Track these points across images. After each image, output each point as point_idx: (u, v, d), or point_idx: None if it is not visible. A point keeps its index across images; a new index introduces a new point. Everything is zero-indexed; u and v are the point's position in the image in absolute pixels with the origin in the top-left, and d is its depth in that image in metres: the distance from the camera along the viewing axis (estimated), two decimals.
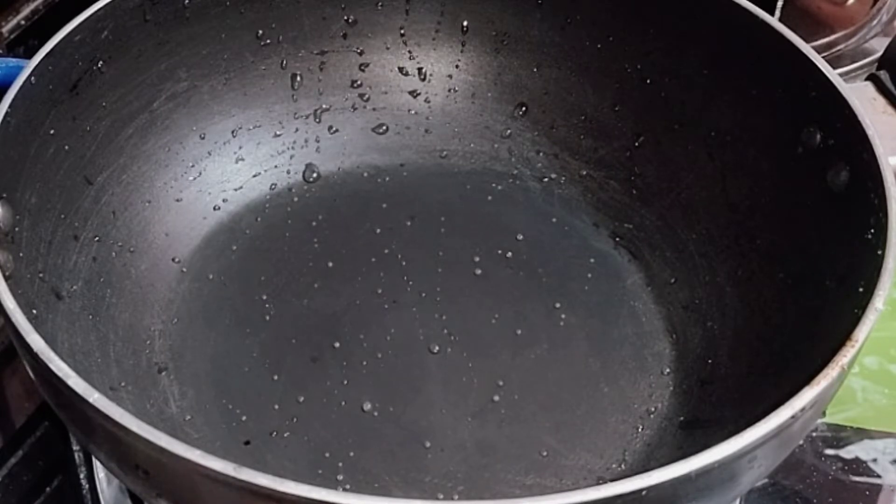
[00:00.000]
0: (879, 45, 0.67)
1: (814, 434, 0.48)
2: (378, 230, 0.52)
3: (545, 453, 0.43)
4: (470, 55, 0.55)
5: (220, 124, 0.52)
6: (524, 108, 0.55)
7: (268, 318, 0.48)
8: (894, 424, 0.49)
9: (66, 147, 0.45)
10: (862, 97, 0.44)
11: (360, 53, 0.55)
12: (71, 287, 0.43)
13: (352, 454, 0.43)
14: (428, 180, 0.54)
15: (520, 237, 0.51)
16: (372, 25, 0.54)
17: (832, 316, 0.39)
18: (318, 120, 0.54)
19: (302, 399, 0.44)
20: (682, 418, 0.44)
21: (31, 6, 0.56)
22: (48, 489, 0.46)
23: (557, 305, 0.49)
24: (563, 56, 0.54)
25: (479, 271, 0.50)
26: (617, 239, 0.52)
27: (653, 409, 0.45)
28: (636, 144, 0.52)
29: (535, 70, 0.54)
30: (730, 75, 0.49)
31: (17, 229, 0.40)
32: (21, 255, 0.40)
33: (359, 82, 0.55)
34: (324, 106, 0.54)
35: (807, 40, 0.45)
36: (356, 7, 0.54)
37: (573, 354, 0.47)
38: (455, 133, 0.55)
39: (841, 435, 0.49)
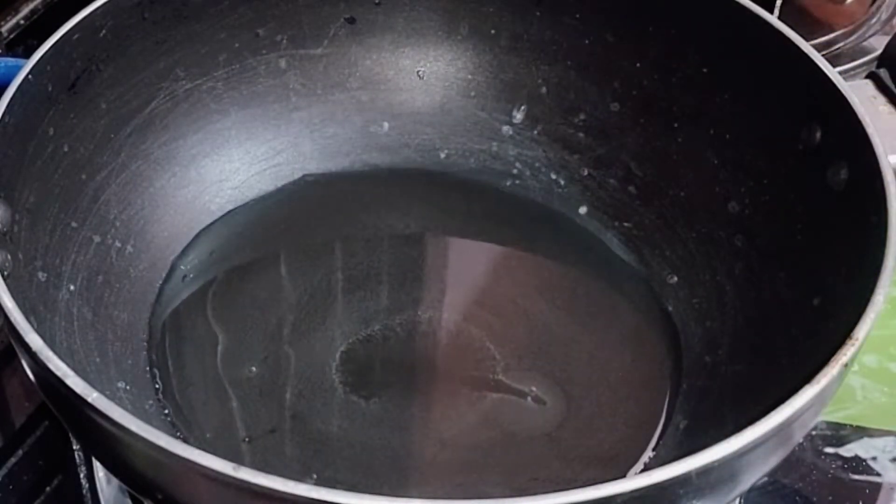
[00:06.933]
0: (879, 44, 0.67)
1: (813, 432, 0.48)
2: (378, 230, 0.52)
3: (546, 454, 0.43)
4: (469, 54, 0.55)
5: (218, 123, 0.52)
6: (523, 107, 0.55)
7: (268, 317, 0.48)
8: (894, 423, 0.49)
9: (65, 146, 0.45)
10: (861, 95, 0.44)
11: (360, 52, 0.55)
12: (69, 286, 0.43)
13: (354, 452, 0.43)
14: (427, 179, 0.54)
15: (520, 237, 0.51)
16: (371, 24, 0.54)
17: (832, 314, 0.39)
18: (317, 119, 0.54)
19: (303, 397, 0.44)
20: (682, 419, 0.44)
21: (31, 6, 0.56)
22: (48, 489, 0.46)
23: (557, 306, 0.48)
24: (563, 55, 0.54)
25: (479, 271, 0.50)
26: (617, 238, 0.51)
27: (653, 410, 0.45)
28: (635, 143, 0.52)
29: (534, 69, 0.54)
30: (729, 73, 0.49)
31: (15, 229, 0.40)
32: (19, 254, 0.40)
33: (358, 81, 0.55)
34: (323, 105, 0.54)
35: (806, 38, 0.45)
36: (355, 5, 0.54)
37: (573, 355, 0.47)
38: (454, 132, 0.55)
39: (840, 433, 0.49)
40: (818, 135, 0.44)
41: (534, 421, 0.44)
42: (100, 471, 0.45)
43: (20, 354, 0.35)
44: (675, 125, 0.51)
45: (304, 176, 0.54)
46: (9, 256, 0.39)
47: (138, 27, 0.48)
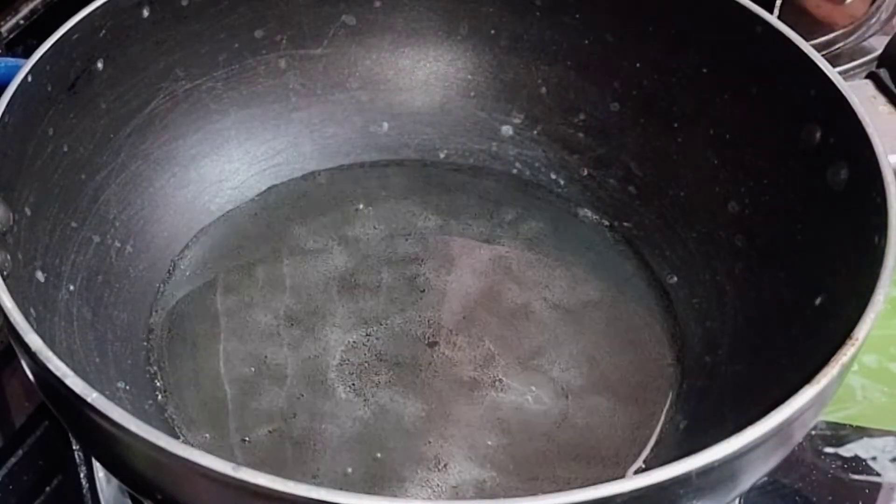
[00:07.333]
0: (878, 44, 0.67)
1: (813, 432, 0.48)
2: (378, 229, 0.52)
3: (546, 454, 0.43)
4: (469, 54, 0.55)
5: (218, 123, 0.52)
6: (523, 107, 0.55)
7: (267, 317, 0.48)
8: (894, 423, 0.49)
9: (65, 146, 0.45)
10: (861, 95, 0.44)
11: (359, 52, 0.55)
12: (69, 286, 0.43)
13: (353, 452, 0.43)
14: (427, 179, 0.54)
15: (519, 237, 0.51)
16: (370, 24, 0.54)
17: (832, 314, 0.39)
18: (316, 119, 0.54)
19: (303, 397, 0.44)
20: (682, 418, 0.44)
21: (30, 6, 0.56)
22: (48, 489, 0.46)
23: (557, 305, 0.48)
24: (562, 55, 0.54)
25: (479, 271, 0.50)
26: (616, 238, 0.51)
27: (653, 410, 0.45)
28: (635, 143, 0.52)
29: (533, 69, 0.54)
30: (729, 73, 0.49)
31: (15, 229, 0.40)
32: (19, 254, 0.40)
33: (358, 81, 0.55)
34: (323, 105, 0.54)
35: (806, 38, 0.45)
36: (355, 6, 0.54)
37: (573, 355, 0.47)
38: (454, 132, 0.55)
39: (840, 433, 0.49)
40: (818, 135, 0.44)
41: (534, 421, 0.44)
42: (100, 471, 0.45)
43: (20, 354, 0.35)
44: (675, 125, 0.51)
45: (304, 176, 0.53)
46: (8, 256, 0.39)
47: (138, 27, 0.48)
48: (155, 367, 0.45)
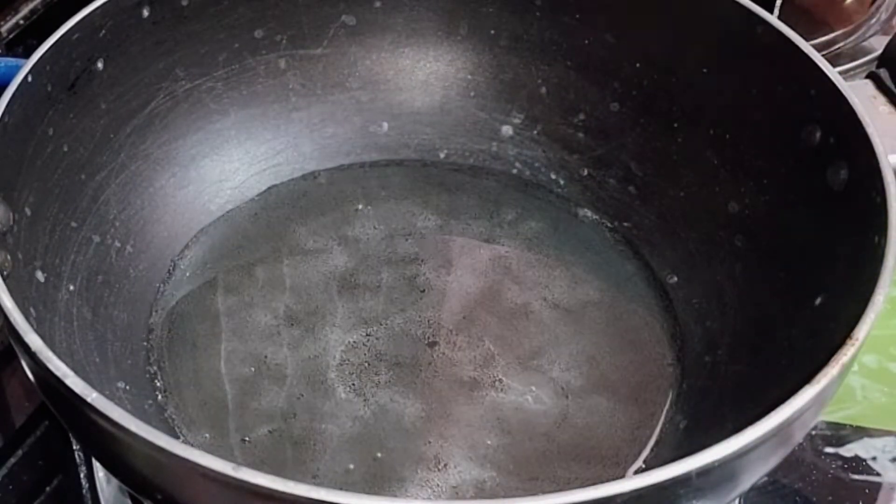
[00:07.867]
0: (878, 44, 0.67)
1: (813, 432, 0.48)
2: (378, 229, 0.52)
3: (546, 454, 0.43)
4: (469, 54, 0.55)
5: (218, 123, 0.52)
6: (523, 107, 0.55)
7: (267, 317, 0.48)
8: (893, 423, 0.49)
9: (65, 146, 0.45)
10: (861, 95, 0.44)
11: (359, 52, 0.55)
12: (69, 286, 0.43)
13: (353, 452, 0.43)
14: (427, 179, 0.54)
15: (519, 237, 0.51)
16: (371, 24, 0.54)
17: (832, 314, 0.39)
18: (316, 119, 0.54)
19: (303, 397, 0.44)
20: (682, 419, 0.44)
21: (30, 6, 0.56)
22: (48, 489, 0.46)
23: (557, 305, 0.49)
24: (562, 55, 0.54)
25: (479, 271, 0.50)
26: (616, 238, 0.52)
27: (653, 410, 0.45)
28: (635, 143, 0.52)
29: (533, 69, 0.54)
30: (729, 73, 0.49)
31: (15, 229, 0.40)
32: (19, 254, 0.40)
33: (358, 81, 0.55)
34: (323, 105, 0.54)
35: (806, 38, 0.45)
36: (355, 6, 0.54)
37: (573, 355, 0.47)
38: (454, 132, 0.55)
39: (840, 433, 0.49)
40: (818, 135, 0.44)
41: (534, 421, 0.44)
42: (100, 471, 0.45)
43: (20, 354, 0.35)
44: (675, 125, 0.51)
45: (304, 176, 0.53)
46: (8, 256, 0.39)
47: (138, 27, 0.48)
48: (155, 367, 0.45)
